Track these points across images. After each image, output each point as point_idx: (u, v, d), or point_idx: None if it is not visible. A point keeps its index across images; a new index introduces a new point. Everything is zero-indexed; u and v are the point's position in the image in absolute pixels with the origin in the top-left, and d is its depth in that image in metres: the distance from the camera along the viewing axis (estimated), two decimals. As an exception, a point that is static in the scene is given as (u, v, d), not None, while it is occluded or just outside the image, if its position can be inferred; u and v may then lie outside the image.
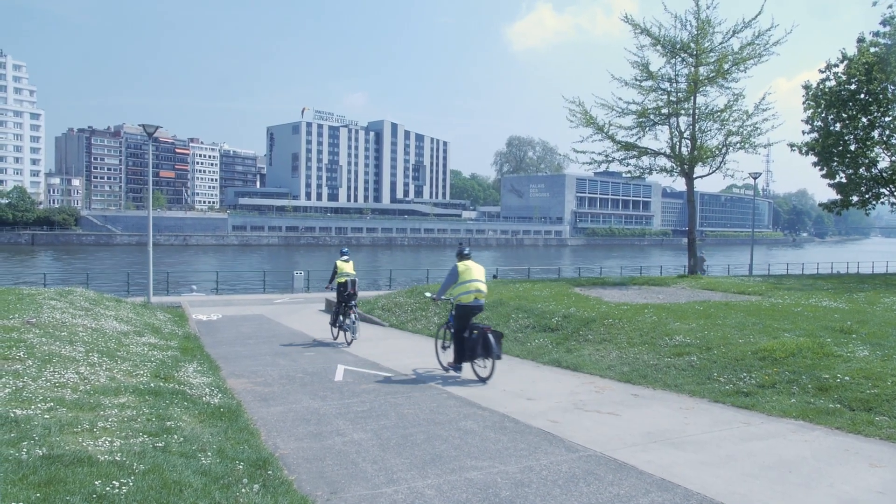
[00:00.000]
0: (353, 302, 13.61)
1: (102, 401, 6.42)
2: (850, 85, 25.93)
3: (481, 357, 9.28)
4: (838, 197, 28.81)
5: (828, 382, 7.73)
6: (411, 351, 12.73)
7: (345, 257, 14.30)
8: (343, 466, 5.68)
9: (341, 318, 13.67)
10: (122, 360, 8.78)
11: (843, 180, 27.89)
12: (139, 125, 21.82)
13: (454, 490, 5.09)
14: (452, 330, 9.84)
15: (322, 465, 5.73)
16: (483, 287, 9.76)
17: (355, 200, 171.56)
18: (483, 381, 9.27)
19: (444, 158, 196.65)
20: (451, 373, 9.80)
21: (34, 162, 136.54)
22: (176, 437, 5.53)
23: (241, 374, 10.07)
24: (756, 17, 21.87)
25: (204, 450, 5.32)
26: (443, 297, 10.16)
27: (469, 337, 9.36)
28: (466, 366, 9.62)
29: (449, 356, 10.04)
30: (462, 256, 10.07)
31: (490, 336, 9.18)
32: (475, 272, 9.80)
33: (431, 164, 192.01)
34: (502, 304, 15.10)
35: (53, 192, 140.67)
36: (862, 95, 25.73)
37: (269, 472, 5.06)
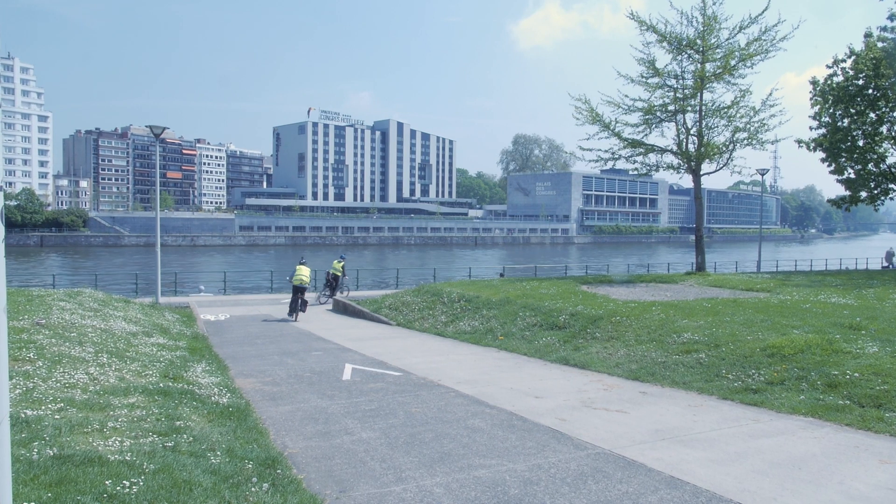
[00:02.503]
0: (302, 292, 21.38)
1: (112, 401, 6.45)
2: (858, 80, 25.73)
3: (298, 311, 18.38)
4: (847, 193, 28.62)
5: (837, 379, 7.69)
6: (419, 349, 12.74)
7: (303, 262, 20.54)
8: (351, 465, 5.69)
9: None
10: (132, 361, 8.83)
11: (852, 176, 27.69)
12: (146, 126, 21.94)
13: (463, 488, 5.09)
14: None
15: (331, 463, 5.75)
16: (304, 278, 18.81)
17: (362, 200, 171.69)
18: (296, 320, 18.11)
19: (450, 157, 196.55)
20: (287, 318, 18.42)
21: (42, 164, 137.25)
22: (185, 436, 5.56)
23: (250, 374, 10.10)
24: (763, 12, 21.77)
25: (213, 449, 5.35)
26: (291, 280, 19.16)
27: (294, 301, 18.42)
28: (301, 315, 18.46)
29: (285, 310, 19.23)
30: (300, 262, 19.65)
31: (299, 302, 18.40)
32: (303, 270, 19.09)
33: (437, 162, 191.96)
34: (509, 303, 15.09)
35: (61, 193, 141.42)
36: (870, 91, 25.53)
37: (279, 471, 5.08)
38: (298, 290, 18.49)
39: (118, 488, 4.16)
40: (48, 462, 4.50)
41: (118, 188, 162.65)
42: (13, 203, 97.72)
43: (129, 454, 4.85)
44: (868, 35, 26.35)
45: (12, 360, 7.55)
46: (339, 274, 22.47)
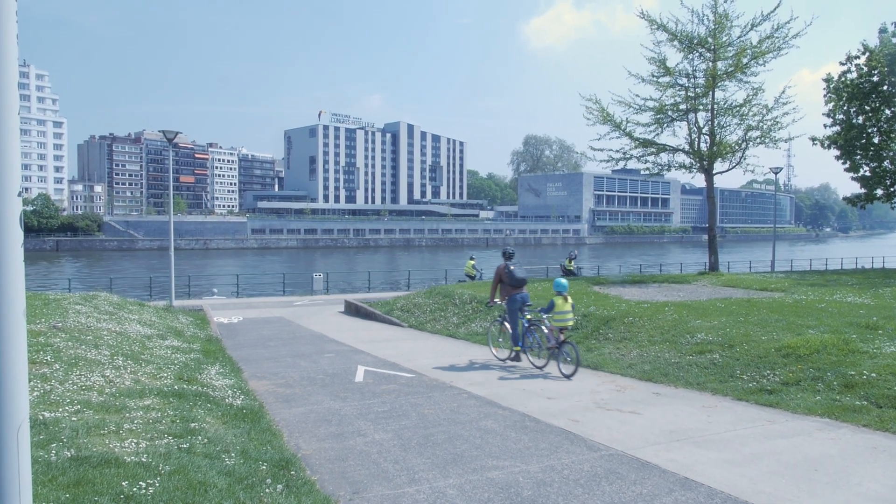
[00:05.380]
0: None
1: (128, 403, 6.51)
2: (873, 77, 25.46)
3: None
4: (862, 191, 28.31)
5: (854, 379, 7.61)
6: (430, 351, 12.75)
7: (472, 258, 27.07)
8: (365, 466, 5.71)
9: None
10: (146, 363, 8.90)
11: (867, 174, 27.37)
12: (159, 131, 22.13)
13: (476, 490, 5.09)
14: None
15: (344, 465, 5.77)
16: (468, 269, 25.84)
17: (373, 202, 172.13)
18: None
19: (461, 158, 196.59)
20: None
21: (57, 169, 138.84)
22: (200, 438, 5.60)
23: (263, 376, 10.15)
24: (775, 9, 21.59)
25: (228, 451, 5.38)
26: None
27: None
28: None
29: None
30: (470, 258, 26.11)
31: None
32: (469, 263, 25.80)
33: (448, 164, 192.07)
34: (521, 304, 15.06)
35: (76, 198, 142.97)
36: (884, 87, 25.26)
37: (292, 473, 5.10)
38: (468, 277, 25.95)
39: (134, 489, 4.20)
40: (66, 463, 4.55)
41: (132, 192, 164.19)
42: (30, 208, 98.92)
43: (144, 455, 4.90)
44: (883, 31, 26.08)
45: (30, 363, 7.64)
46: (571, 268, 26.93)
